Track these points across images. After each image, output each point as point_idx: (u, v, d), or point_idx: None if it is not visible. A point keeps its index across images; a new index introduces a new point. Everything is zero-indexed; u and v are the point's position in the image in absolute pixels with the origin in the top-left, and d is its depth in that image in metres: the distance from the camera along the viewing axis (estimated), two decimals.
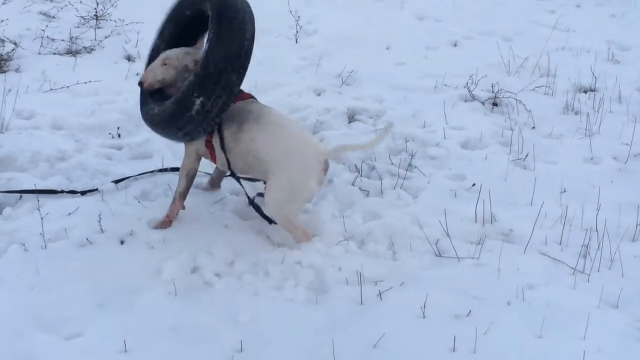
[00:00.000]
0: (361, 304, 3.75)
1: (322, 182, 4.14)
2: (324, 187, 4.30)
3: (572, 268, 4.06)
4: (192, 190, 4.57)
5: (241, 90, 4.18)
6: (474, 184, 4.81)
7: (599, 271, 4.06)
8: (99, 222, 4.18)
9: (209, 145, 4.23)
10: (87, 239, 4.11)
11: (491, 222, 4.50)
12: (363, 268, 3.95)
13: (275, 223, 4.25)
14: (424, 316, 3.66)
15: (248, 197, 4.36)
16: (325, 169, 4.12)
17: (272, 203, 4.10)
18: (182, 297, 3.72)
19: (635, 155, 5.32)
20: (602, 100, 6.17)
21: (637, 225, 4.44)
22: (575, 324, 3.59)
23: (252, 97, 4.35)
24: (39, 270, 3.85)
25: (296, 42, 7.37)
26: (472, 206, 4.54)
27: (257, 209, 4.31)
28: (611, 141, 5.57)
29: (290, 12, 7.47)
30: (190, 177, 4.35)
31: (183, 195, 4.34)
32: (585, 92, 6.50)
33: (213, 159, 4.30)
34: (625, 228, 4.45)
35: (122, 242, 4.14)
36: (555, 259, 4.15)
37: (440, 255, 4.16)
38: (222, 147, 4.15)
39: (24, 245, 4.03)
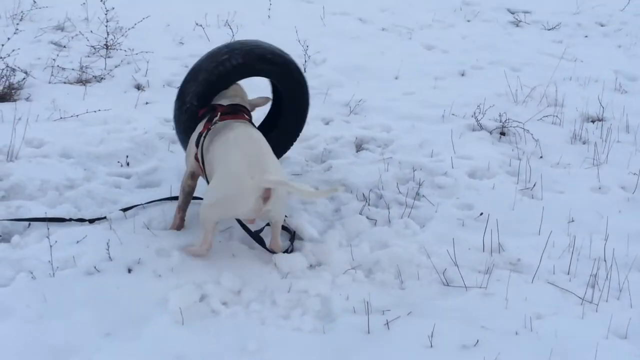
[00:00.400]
0: (368, 333, 3.74)
1: (257, 208, 4.07)
2: (261, 215, 4.19)
3: (580, 298, 4.04)
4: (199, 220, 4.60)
5: (243, 111, 4.56)
6: (481, 213, 4.80)
7: (607, 301, 4.04)
8: (107, 250, 4.19)
9: (196, 157, 4.45)
10: (95, 267, 4.11)
11: (499, 252, 4.49)
12: (370, 297, 3.95)
13: (275, 252, 4.32)
14: (431, 346, 3.65)
15: (247, 229, 4.46)
16: (266, 197, 4.05)
17: (203, 201, 4.25)
18: (189, 326, 3.72)
19: None
20: (610, 130, 6.18)
21: None
22: (583, 355, 3.58)
23: (249, 119, 4.60)
24: (46, 298, 3.85)
25: (305, 71, 7.40)
26: (479, 235, 4.54)
27: (259, 240, 4.40)
28: (619, 171, 5.57)
29: (299, 41, 7.52)
30: (186, 193, 4.59)
31: (181, 208, 4.58)
32: (593, 121, 6.51)
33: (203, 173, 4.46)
34: (633, 258, 4.43)
35: (129, 271, 4.14)
36: (563, 288, 4.14)
37: (447, 285, 4.16)
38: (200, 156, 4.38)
39: (32, 273, 4.03)
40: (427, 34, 8.91)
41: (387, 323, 3.79)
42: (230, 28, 8.36)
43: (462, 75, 7.65)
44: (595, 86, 7.29)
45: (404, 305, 3.95)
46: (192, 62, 7.38)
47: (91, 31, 7.71)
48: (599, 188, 5.35)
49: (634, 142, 6.06)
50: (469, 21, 9.62)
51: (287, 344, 3.64)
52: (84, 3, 8.27)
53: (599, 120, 6.51)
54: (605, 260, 4.35)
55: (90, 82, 6.79)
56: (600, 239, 4.59)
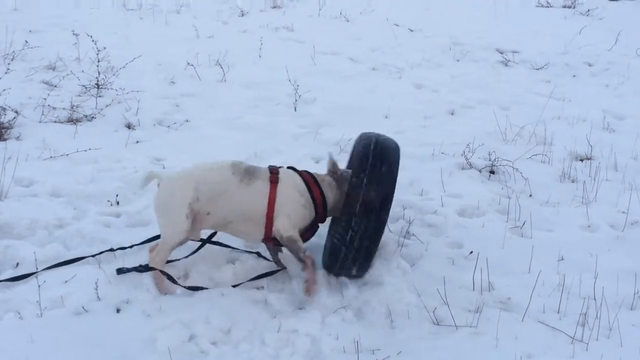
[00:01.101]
0: None
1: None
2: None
3: (570, 337, 4.03)
4: (189, 258, 4.60)
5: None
6: (471, 252, 4.81)
7: (597, 340, 4.03)
8: (96, 290, 4.17)
9: None
10: (83, 307, 4.09)
11: (489, 290, 4.49)
12: (360, 336, 3.93)
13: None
14: None
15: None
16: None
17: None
18: None
19: (632, 224, 5.33)
20: (599, 169, 6.22)
21: (635, 294, 4.43)
22: None
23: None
24: (33, 338, 3.82)
25: (295, 110, 7.46)
26: (469, 274, 4.53)
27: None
28: (608, 209, 5.59)
29: (290, 80, 7.58)
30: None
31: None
32: (582, 160, 6.55)
33: None
34: (623, 296, 4.43)
35: (118, 311, 4.12)
36: (553, 327, 4.13)
37: (438, 324, 4.14)
38: None
39: (19, 313, 4.01)
40: (416, 74, 8.99)
41: None
42: (222, 67, 8.43)
43: (452, 114, 7.70)
44: (583, 125, 7.35)
45: (394, 345, 3.94)
46: (183, 101, 7.51)
47: (82, 71, 7.76)
48: (588, 226, 5.36)
49: (623, 181, 6.09)
50: (458, 61, 9.70)
51: None
52: (76, 43, 8.33)
53: (588, 158, 6.55)
54: (595, 299, 4.35)
55: (80, 121, 6.81)
56: (590, 277, 4.59)
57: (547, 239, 5.13)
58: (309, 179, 4.45)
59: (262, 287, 4.36)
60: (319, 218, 4.46)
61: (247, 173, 4.34)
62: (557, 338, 4.05)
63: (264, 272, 4.47)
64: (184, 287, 4.29)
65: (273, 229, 4.32)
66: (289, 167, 4.56)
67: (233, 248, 4.71)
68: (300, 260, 4.33)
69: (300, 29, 10.70)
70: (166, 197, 4.31)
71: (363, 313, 4.22)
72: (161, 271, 4.27)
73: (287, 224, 4.30)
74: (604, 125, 7.40)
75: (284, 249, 4.51)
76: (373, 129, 6.97)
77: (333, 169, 4.51)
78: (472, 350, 3.91)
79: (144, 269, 4.33)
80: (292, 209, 4.33)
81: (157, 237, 4.77)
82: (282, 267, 4.54)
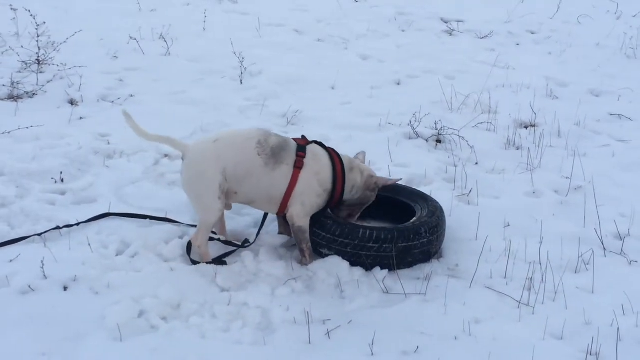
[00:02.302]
0: (309, 343, 3.73)
1: None
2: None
3: (517, 301, 4.10)
4: (138, 234, 4.56)
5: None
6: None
7: (543, 303, 4.11)
8: (42, 268, 4.10)
9: None
10: (29, 286, 4.02)
11: (437, 258, 4.53)
12: (311, 307, 3.94)
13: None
14: (372, 354, 3.66)
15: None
16: None
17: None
18: (128, 342, 3.66)
19: (575, 189, 5.42)
20: (542, 135, 6.31)
21: (579, 257, 4.52)
22: (521, 357, 3.64)
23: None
24: None
25: (241, 83, 7.40)
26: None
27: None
28: (552, 175, 5.68)
29: (235, 53, 7.51)
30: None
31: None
32: (526, 127, 6.63)
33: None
34: (567, 260, 4.52)
35: (65, 289, 4.06)
36: (500, 292, 4.19)
37: (387, 293, 4.17)
38: None
39: None
40: (362, 44, 8.98)
41: (328, 333, 3.80)
42: (165, 41, 8.31)
43: (398, 84, 7.72)
44: (527, 93, 7.44)
45: (344, 315, 3.96)
46: (127, 76, 7.39)
47: (22, 46, 7.58)
48: (533, 192, 5.44)
49: (566, 147, 6.19)
50: (403, 31, 9.72)
51: (227, 357, 3.61)
52: (14, 18, 8.11)
53: (532, 126, 6.64)
54: (540, 264, 4.43)
55: (21, 98, 6.67)
56: (535, 242, 4.68)
57: (493, 206, 5.19)
58: (338, 167, 4.42)
59: (211, 262, 4.34)
60: (329, 205, 4.47)
61: (274, 155, 4.28)
62: (504, 303, 4.12)
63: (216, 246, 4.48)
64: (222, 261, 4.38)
65: (287, 213, 4.34)
66: (318, 143, 4.51)
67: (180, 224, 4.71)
68: (302, 250, 4.37)
69: (244, 1, 10.58)
70: (195, 177, 4.27)
71: (313, 284, 4.23)
72: (208, 262, 4.34)
73: (300, 212, 4.31)
74: (547, 92, 7.50)
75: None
76: (319, 100, 7.04)
77: (381, 179, 4.58)
78: (421, 317, 3.95)
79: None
80: (308, 198, 4.32)
81: (107, 214, 4.75)
82: (248, 242, 4.55)
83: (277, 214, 4.47)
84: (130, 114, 4.42)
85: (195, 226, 4.58)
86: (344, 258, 4.35)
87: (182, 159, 4.35)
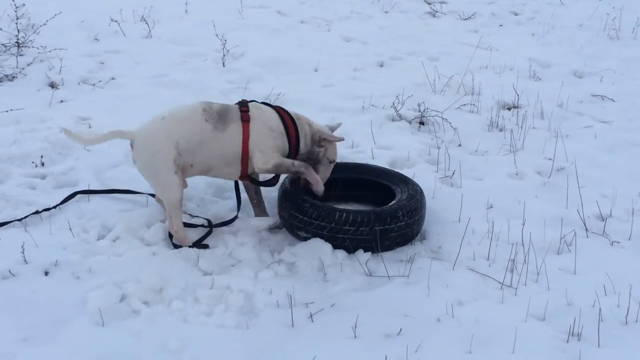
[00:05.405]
0: (292, 326, 3.73)
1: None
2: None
3: (499, 283, 4.11)
4: (119, 218, 4.53)
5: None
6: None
7: (525, 285, 4.12)
8: (22, 253, 4.07)
9: None
10: (10, 271, 4.00)
11: (420, 240, 4.54)
12: (294, 291, 3.94)
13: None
14: (355, 336, 3.66)
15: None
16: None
17: None
18: (109, 327, 3.65)
19: (557, 170, 5.43)
20: (525, 117, 6.31)
21: (561, 238, 4.53)
22: (503, 338, 3.64)
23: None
24: None
25: (223, 65, 7.36)
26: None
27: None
28: (534, 156, 5.69)
29: (217, 35, 7.46)
30: None
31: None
32: (509, 109, 6.64)
33: None
34: (550, 241, 4.53)
35: (46, 273, 4.04)
36: (483, 274, 4.20)
37: (370, 275, 4.17)
38: None
39: None
40: (345, 26, 8.95)
41: (311, 316, 3.79)
42: (147, 23, 8.25)
43: (381, 66, 7.70)
44: (510, 74, 7.44)
45: (327, 298, 3.96)
46: (108, 59, 7.32)
47: (1, 29, 7.48)
48: (516, 174, 5.45)
49: (549, 128, 6.19)
50: (386, 12, 9.69)
51: (210, 341, 3.60)
52: None
53: (515, 107, 6.64)
54: (523, 245, 4.44)
55: (1, 81, 6.60)
56: (518, 224, 4.68)
57: (476, 187, 5.19)
58: (285, 115, 4.46)
59: (192, 246, 4.32)
60: (290, 154, 4.47)
61: (220, 117, 4.32)
62: (486, 284, 4.13)
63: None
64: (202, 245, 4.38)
65: (253, 168, 4.36)
66: (262, 103, 4.56)
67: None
68: (297, 173, 4.38)
69: None
70: (149, 158, 4.27)
71: (296, 267, 4.22)
72: (190, 246, 4.34)
73: (262, 157, 4.31)
74: (530, 73, 7.50)
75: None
76: (302, 82, 7.01)
77: (324, 129, 4.56)
78: (404, 300, 3.95)
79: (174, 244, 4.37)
80: (264, 143, 4.33)
81: (78, 193, 4.74)
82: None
83: (240, 177, 4.48)
84: (70, 130, 4.43)
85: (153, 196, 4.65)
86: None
87: (131, 145, 4.35)
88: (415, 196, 4.52)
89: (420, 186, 4.70)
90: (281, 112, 4.48)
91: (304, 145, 4.48)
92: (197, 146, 4.28)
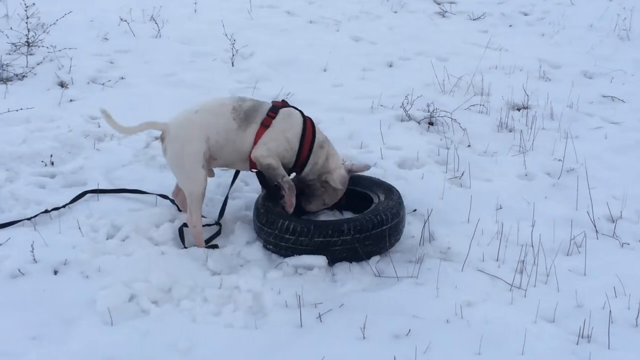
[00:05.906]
0: (301, 327, 3.73)
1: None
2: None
3: (509, 284, 4.10)
4: (128, 217, 4.54)
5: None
6: (414, 210, 4.81)
7: (535, 286, 4.11)
8: (32, 252, 4.08)
9: None
10: (19, 270, 4.01)
11: (429, 241, 4.52)
12: (302, 291, 3.93)
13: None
14: (364, 337, 3.65)
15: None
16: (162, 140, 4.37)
17: None
18: (118, 326, 3.66)
19: (567, 171, 5.41)
20: (535, 118, 6.29)
21: (571, 240, 4.51)
22: (513, 340, 3.63)
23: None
24: None
25: (232, 65, 7.36)
26: (410, 226, 4.57)
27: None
28: (544, 157, 5.67)
29: (226, 35, 7.46)
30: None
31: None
32: (519, 109, 6.61)
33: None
34: (559, 243, 4.52)
35: (55, 272, 4.05)
36: (492, 275, 4.19)
37: (379, 276, 4.16)
38: None
39: None
40: (354, 26, 8.93)
41: (320, 316, 3.79)
42: (156, 23, 8.26)
43: (390, 66, 7.69)
44: (520, 75, 7.41)
45: (336, 298, 3.95)
46: (117, 58, 7.34)
47: (11, 28, 7.51)
48: (526, 175, 5.43)
49: (558, 129, 6.17)
50: (395, 12, 9.67)
51: (218, 340, 3.60)
52: None
53: (524, 108, 6.62)
54: (532, 246, 4.42)
55: (11, 81, 6.61)
56: (528, 225, 4.67)
57: (485, 188, 5.18)
58: (308, 137, 4.41)
59: (207, 247, 4.33)
60: (294, 168, 4.48)
61: (246, 117, 4.35)
62: (495, 286, 4.12)
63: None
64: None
65: (252, 157, 4.35)
66: (305, 116, 4.51)
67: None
68: (279, 185, 4.34)
69: None
70: (180, 149, 4.29)
71: (304, 267, 4.21)
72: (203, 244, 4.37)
73: (264, 152, 4.31)
74: (540, 74, 7.47)
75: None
76: (311, 82, 7.01)
77: (352, 168, 4.57)
78: (413, 301, 3.94)
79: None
80: (274, 144, 4.33)
81: (87, 193, 4.76)
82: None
83: (250, 169, 4.50)
84: (110, 114, 4.37)
85: (165, 197, 4.71)
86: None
87: (161, 137, 4.36)
88: (379, 212, 4.29)
89: (401, 200, 4.48)
90: (307, 133, 4.42)
91: (309, 171, 4.47)
92: (224, 142, 4.32)
